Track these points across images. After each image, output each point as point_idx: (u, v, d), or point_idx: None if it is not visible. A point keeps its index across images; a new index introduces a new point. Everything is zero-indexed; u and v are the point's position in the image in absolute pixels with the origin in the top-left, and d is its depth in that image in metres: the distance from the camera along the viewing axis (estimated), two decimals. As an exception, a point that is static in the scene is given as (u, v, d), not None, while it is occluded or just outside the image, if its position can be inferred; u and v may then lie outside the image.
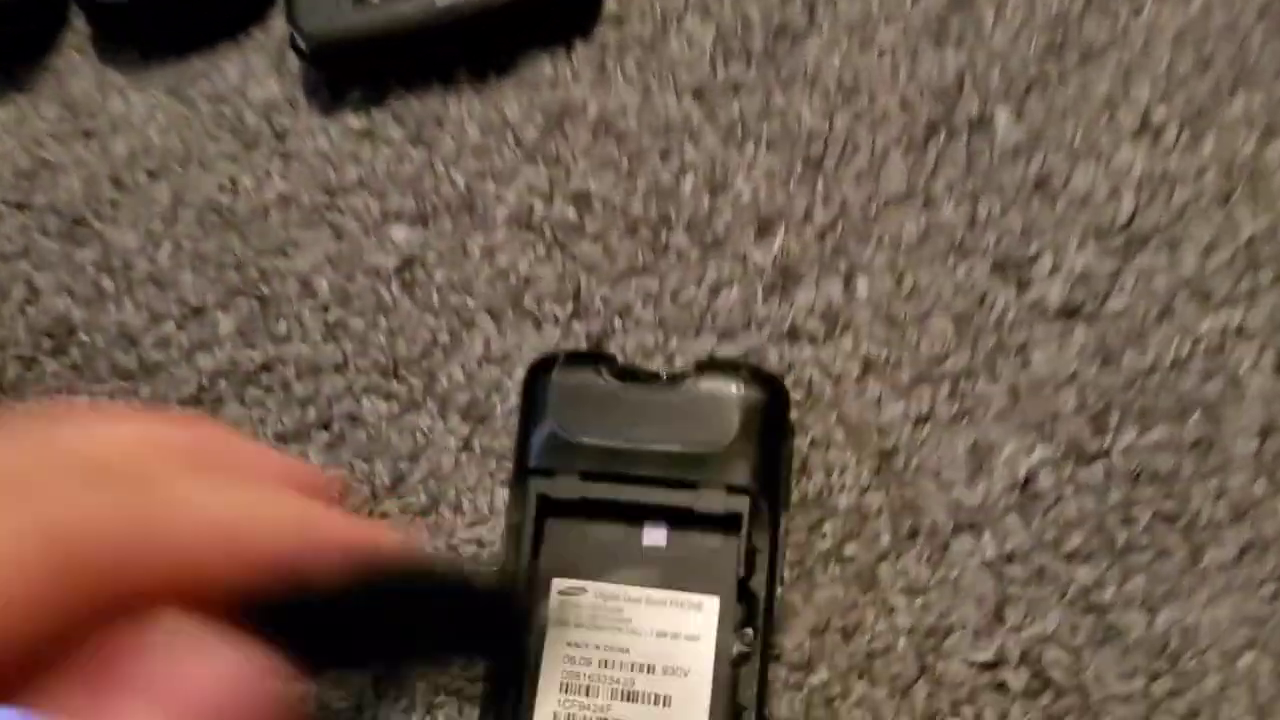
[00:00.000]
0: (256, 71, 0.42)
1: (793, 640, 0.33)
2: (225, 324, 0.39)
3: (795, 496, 0.35)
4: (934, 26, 0.37)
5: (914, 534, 0.34)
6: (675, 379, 0.33)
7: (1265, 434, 0.32)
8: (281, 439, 0.38)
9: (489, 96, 0.40)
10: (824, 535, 0.34)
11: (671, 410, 0.32)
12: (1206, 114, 0.35)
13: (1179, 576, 0.32)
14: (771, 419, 0.33)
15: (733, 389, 0.33)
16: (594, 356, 0.34)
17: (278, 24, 0.42)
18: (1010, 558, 0.33)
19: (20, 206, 0.42)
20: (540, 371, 0.34)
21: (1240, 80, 0.35)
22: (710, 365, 0.34)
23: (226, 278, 0.39)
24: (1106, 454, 0.33)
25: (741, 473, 0.32)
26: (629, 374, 0.33)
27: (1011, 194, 0.35)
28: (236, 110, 0.41)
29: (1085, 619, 0.32)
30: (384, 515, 0.36)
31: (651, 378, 0.34)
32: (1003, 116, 0.36)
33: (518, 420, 0.34)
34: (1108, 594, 0.33)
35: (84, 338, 0.39)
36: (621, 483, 0.32)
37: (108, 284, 0.40)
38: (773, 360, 0.36)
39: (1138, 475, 0.33)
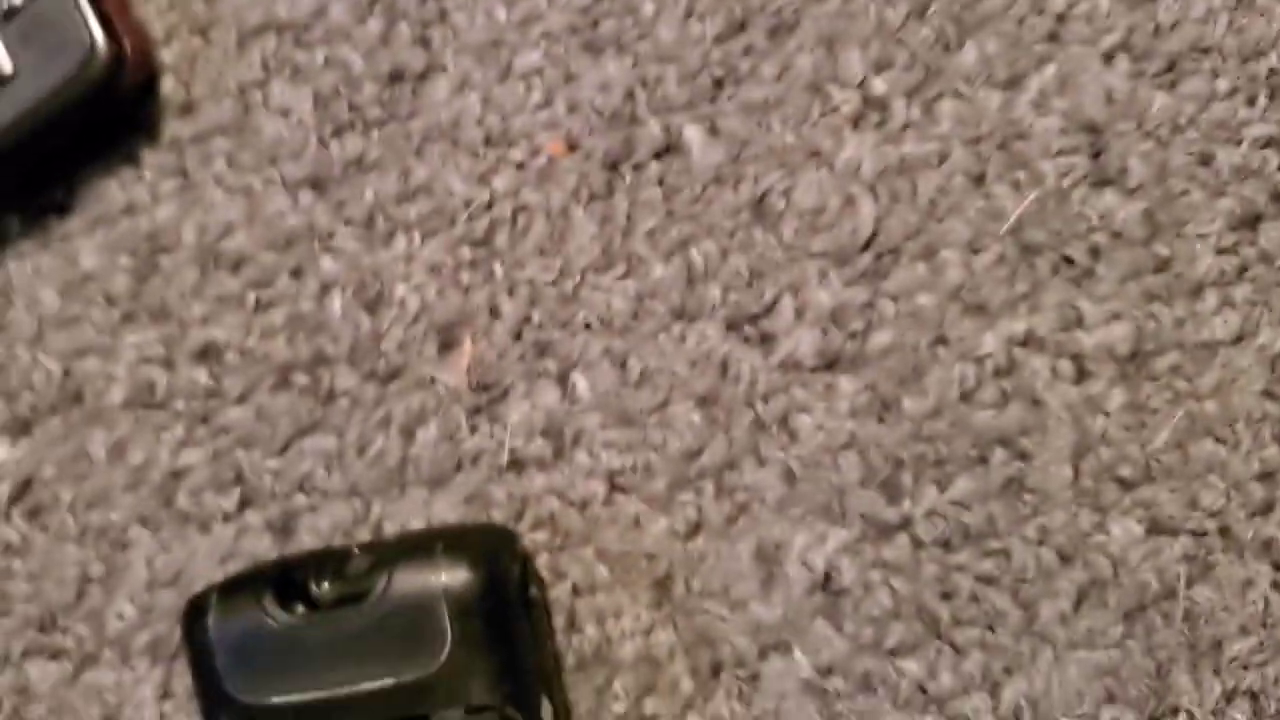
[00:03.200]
0: None
1: None
2: None
3: (570, 659, 0.29)
4: (583, 30, 0.29)
5: (717, 670, 0.29)
6: (360, 578, 0.27)
7: (1079, 456, 0.28)
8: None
9: (58, 247, 0.30)
10: (616, 696, 0.29)
11: (368, 633, 0.25)
12: (935, 74, 0.28)
13: (1015, 643, 0.28)
14: (497, 600, 0.27)
15: (432, 579, 0.27)
16: (251, 580, 0.26)
17: None
18: (829, 670, 0.28)
19: None
20: (194, 621, 0.27)
21: (965, 23, 0.28)
22: (396, 553, 0.27)
23: None
24: (908, 524, 0.28)
25: (479, 686, 0.25)
26: (298, 592, 0.27)
27: (726, 231, 0.28)
28: None
29: (925, 718, 0.28)
30: None
31: (334, 582, 0.27)
32: (693, 134, 0.29)
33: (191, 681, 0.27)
34: (944, 683, 0.28)
35: None
36: None
37: None
38: (499, 499, 0.29)
39: (947, 540, 0.28)
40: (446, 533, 0.29)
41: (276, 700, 0.26)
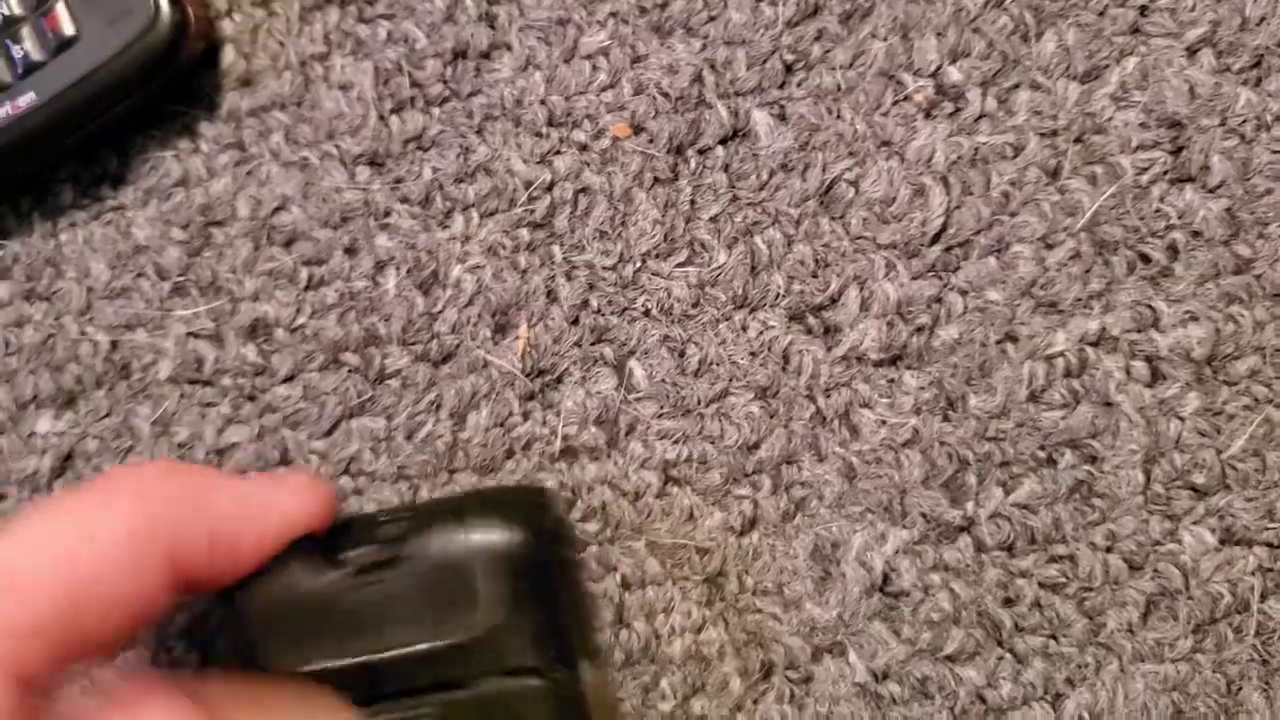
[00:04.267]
0: None
1: None
2: None
3: (619, 655, 0.28)
4: (652, 12, 0.28)
5: (768, 671, 0.28)
6: (393, 543, 0.26)
7: (1151, 461, 0.26)
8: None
9: (111, 219, 0.30)
10: (663, 695, 0.28)
11: (401, 597, 0.25)
12: (1012, 64, 0.27)
13: (1080, 653, 0.27)
14: (530, 560, 0.26)
15: (463, 539, 0.26)
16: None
17: None
18: (885, 675, 0.27)
19: None
20: (226, 590, 0.26)
21: (1046, 14, 0.27)
22: (429, 516, 0.26)
23: None
24: (971, 526, 0.27)
25: (516, 647, 0.25)
26: (330, 558, 0.26)
27: (792, 219, 0.28)
28: None
29: None
30: None
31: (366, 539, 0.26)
32: (761, 119, 0.28)
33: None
34: (1004, 692, 0.27)
35: None
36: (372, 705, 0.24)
37: None
38: (550, 488, 0.28)
39: (1011, 544, 0.27)
40: (479, 495, 0.28)
41: (311, 667, 0.26)
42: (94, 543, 0.22)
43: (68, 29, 0.30)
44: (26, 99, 0.30)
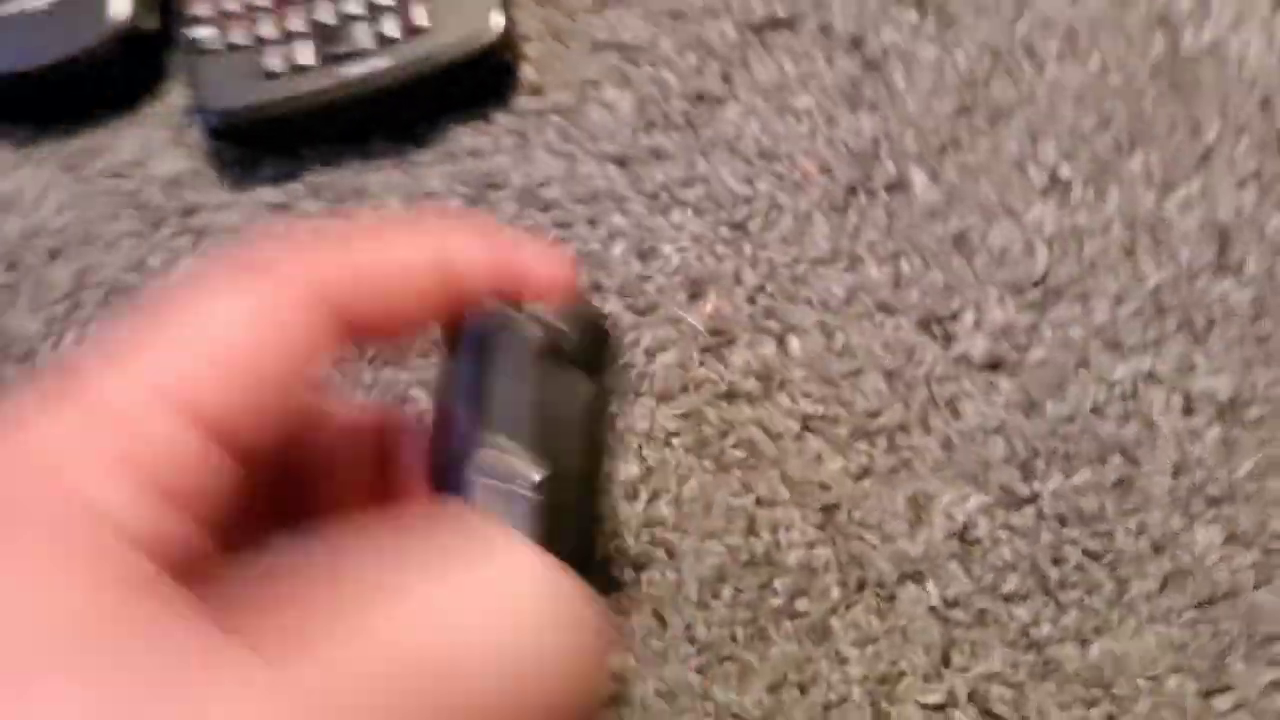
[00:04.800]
0: (156, 146, 0.41)
1: (751, 698, 0.34)
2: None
3: (744, 556, 0.36)
4: (848, 91, 0.39)
5: (861, 586, 0.35)
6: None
7: (1178, 472, 0.35)
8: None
9: (410, 169, 0.40)
10: (775, 592, 0.36)
11: None
12: (1109, 170, 0.37)
13: (1108, 610, 0.35)
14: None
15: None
16: None
17: (175, 95, 0.41)
18: (953, 603, 0.35)
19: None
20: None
21: (1138, 137, 0.38)
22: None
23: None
24: (1036, 499, 0.35)
25: None
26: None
27: (932, 252, 0.37)
28: (138, 186, 0.40)
29: (1025, 656, 0.35)
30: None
31: None
32: (919, 178, 0.38)
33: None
34: (1044, 630, 0.35)
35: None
36: None
37: (9, 373, 0.38)
38: (711, 420, 0.37)
39: (1065, 517, 0.35)
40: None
41: None
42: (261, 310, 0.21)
43: (421, 21, 0.40)
44: (380, 62, 0.40)
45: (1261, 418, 0.37)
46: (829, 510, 0.38)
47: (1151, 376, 0.38)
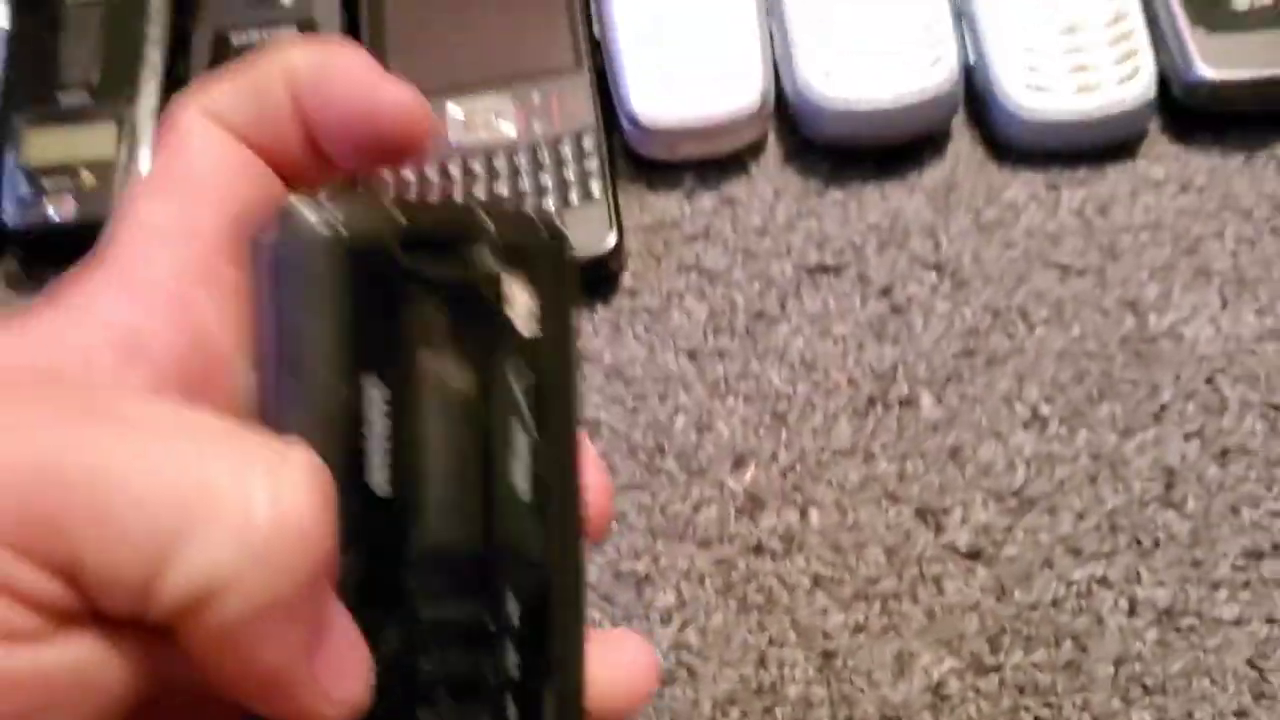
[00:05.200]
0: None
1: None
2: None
3: (753, 684, 0.43)
4: (876, 326, 0.49)
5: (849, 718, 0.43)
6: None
7: (1120, 662, 0.43)
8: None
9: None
10: (775, 718, 0.42)
11: None
12: (1080, 414, 0.47)
13: (1053, 770, 0.41)
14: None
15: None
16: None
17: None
18: (922, 746, 0.42)
19: None
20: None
21: (1106, 392, 0.47)
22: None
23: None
24: (1000, 668, 0.43)
25: None
26: None
27: (932, 458, 0.46)
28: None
29: None
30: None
31: None
32: (926, 399, 0.47)
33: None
34: (998, 782, 0.41)
35: None
36: None
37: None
38: (740, 569, 0.45)
39: (1023, 687, 0.43)
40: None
41: None
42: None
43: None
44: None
45: (1193, 626, 0.45)
46: (828, 656, 0.45)
47: (1103, 581, 0.46)
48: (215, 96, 0.23)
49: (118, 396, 0.20)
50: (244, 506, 0.18)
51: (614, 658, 0.25)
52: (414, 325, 0.22)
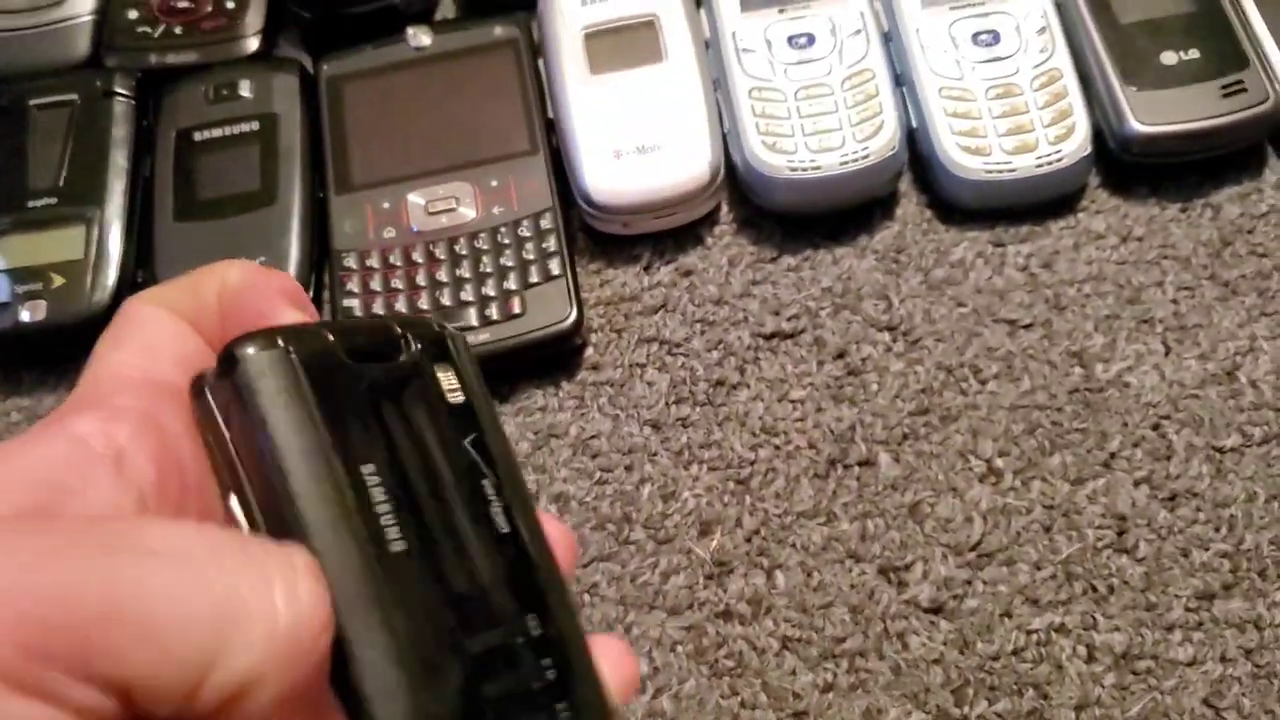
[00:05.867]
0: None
1: None
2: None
3: None
4: (833, 388, 0.51)
5: (819, 782, 0.44)
6: None
7: (1080, 708, 0.44)
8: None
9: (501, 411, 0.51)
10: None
11: None
12: (1033, 465, 0.49)
13: (1022, 819, 0.43)
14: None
15: None
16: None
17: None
18: (894, 802, 0.43)
19: None
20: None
21: (1056, 442, 0.49)
22: None
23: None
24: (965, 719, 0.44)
25: None
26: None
27: (891, 516, 0.48)
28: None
29: None
30: None
31: None
32: (885, 458, 0.49)
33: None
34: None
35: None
36: None
37: None
38: (710, 634, 0.46)
39: (989, 738, 0.44)
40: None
41: None
42: None
43: (517, 309, 0.53)
44: (483, 335, 0.53)
45: (1150, 669, 0.47)
46: (799, 715, 0.47)
47: (1061, 629, 0.47)
48: (161, 291, 0.28)
49: (142, 527, 0.23)
50: (269, 614, 0.21)
51: (604, 658, 0.28)
52: (379, 415, 0.26)
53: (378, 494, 0.24)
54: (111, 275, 0.56)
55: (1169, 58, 0.56)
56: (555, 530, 0.29)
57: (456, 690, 0.24)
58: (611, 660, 0.28)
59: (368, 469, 0.24)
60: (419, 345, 0.27)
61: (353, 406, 0.25)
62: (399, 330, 0.27)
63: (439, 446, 0.26)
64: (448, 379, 0.27)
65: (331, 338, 0.25)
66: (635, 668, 0.30)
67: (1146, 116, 0.55)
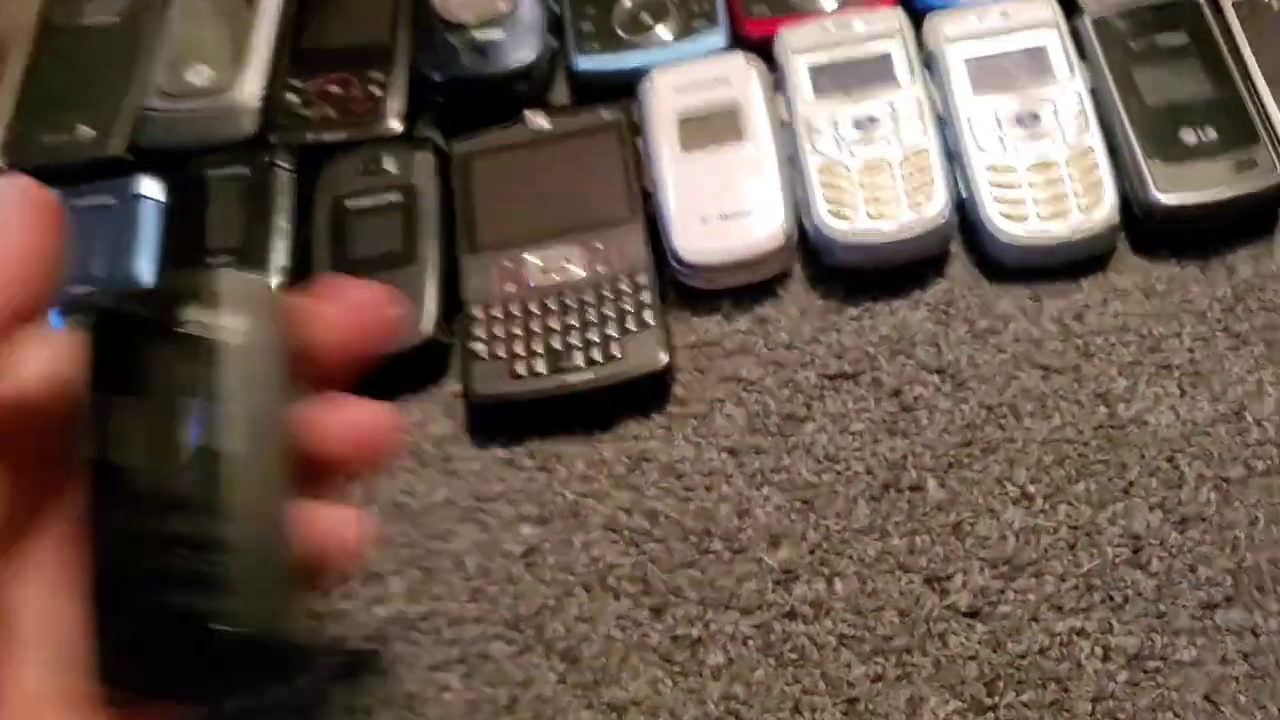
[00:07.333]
0: (434, 415, 0.63)
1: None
2: (396, 585, 0.58)
3: None
4: (888, 422, 0.60)
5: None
6: None
7: (1096, 700, 0.53)
8: (432, 669, 0.56)
9: (594, 444, 0.62)
10: None
11: None
12: (1061, 491, 0.57)
13: (1042, 793, 0.51)
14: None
15: None
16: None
17: (449, 384, 0.63)
18: (932, 776, 0.52)
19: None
20: None
21: (1082, 472, 0.58)
22: None
23: (400, 554, 0.59)
24: (995, 708, 0.53)
25: None
26: None
27: (937, 533, 0.57)
28: (416, 441, 0.62)
29: None
30: None
31: None
32: (932, 484, 0.58)
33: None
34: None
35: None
36: None
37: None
38: (777, 631, 0.55)
39: (1016, 723, 0.52)
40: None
41: None
42: None
43: (616, 353, 0.63)
44: (588, 375, 0.63)
45: (1158, 669, 0.54)
46: (852, 701, 0.55)
47: (1081, 632, 0.55)
48: None
49: None
50: None
51: (337, 415, 0.39)
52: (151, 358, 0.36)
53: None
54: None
55: (1188, 135, 0.64)
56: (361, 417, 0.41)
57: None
58: (350, 414, 0.40)
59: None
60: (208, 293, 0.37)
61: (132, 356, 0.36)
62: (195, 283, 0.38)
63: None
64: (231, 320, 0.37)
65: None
66: (382, 418, 0.42)
67: (1168, 188, 0.63)
